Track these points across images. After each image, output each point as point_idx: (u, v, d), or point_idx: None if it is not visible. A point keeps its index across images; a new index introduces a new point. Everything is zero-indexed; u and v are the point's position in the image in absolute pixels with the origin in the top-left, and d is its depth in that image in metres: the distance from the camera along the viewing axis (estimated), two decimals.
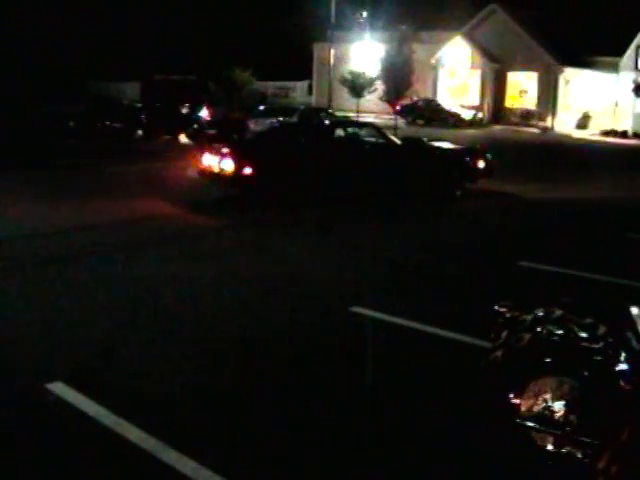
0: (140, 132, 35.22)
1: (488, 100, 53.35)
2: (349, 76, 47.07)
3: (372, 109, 48.33)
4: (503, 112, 53.11)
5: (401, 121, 44.74)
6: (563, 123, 50.22)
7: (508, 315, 6.06)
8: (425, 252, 13.15)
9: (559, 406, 5.44)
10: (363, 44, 55.07)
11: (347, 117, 37.65)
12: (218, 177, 17.18)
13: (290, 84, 65.57)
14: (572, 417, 5.37)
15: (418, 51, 44.73)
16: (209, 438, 6.13)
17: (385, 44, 44.77)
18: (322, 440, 6.16)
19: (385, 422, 6.48)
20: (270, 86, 64.25)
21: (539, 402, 5.51)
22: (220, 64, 55.85)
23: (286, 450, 6.00)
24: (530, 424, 5.53)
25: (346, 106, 49.71)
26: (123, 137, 33.81)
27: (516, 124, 50.99)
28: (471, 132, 44.57)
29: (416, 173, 18.28)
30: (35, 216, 15.42)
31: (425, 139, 21.17)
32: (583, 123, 50.83)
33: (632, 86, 47.98)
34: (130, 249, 12.89)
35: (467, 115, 49.43)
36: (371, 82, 45.41)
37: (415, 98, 49.11)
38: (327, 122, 23.82)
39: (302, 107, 39.34)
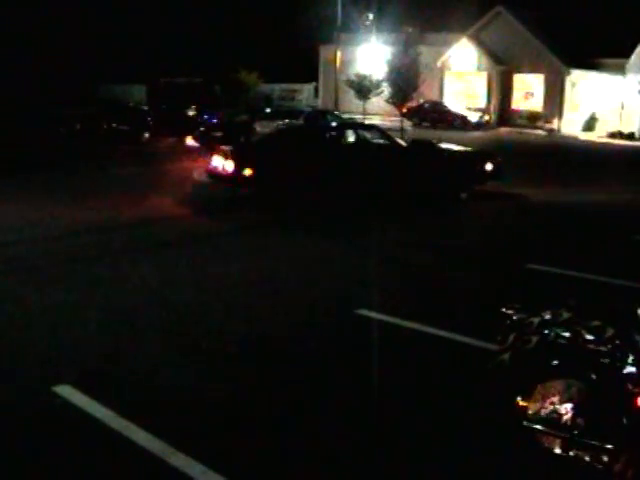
0: (147, 134, 35.28)
1: (494, 102, 53.27)
2: (355, 78, 46.99)
3: (378, 111, 48.31)
4: (509, 114, 53.01)
5: (407, 123, 44.69)
6: (570, 125, 50.12)
7: (515, 318, 6.05)
8: (431, 254, 13.15)
9: (566, 409, 5.42)
10: (369, 46, 55.03)
11: (353, 119, 37.65)
12: (222, 177, 17.37)
13: (296, 86, 65.53)
14: (580, 420, 5.35)
15: (424, 53, 44.62)
16: (217, 441, 6.13)
17: (391, 46, 44.67)
18: (326, 443, 6.15)
19: (390, 424, 6.47)
20: (276, 88, 64.22)
21: (546, 405, 5.50)
22: (226, 66, 55.90)
23: (291, 453, 6.00)
24: (537, 427, 5.51)
25: (352, 108, 49.69)
26: (129, 139, 33.86)
27: (522, 126, 50.89)
28: (477, 134, 44.52)
29: (419, 175, 18.28)
30: (40, 218, 15.44)
31: (434, 141, 21.15)
32: (590, 125, 50.72)
33: (639, 88, 47.85)
34: (137, 251, 12.92)
35: (473, 117, 49.35)
36: (377, 84, 45.33)
37: (421, 100, 49.07)
38: (332, 124, 23.87)
39: (308, 109, 39.33)
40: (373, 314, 9.27)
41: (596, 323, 5.68)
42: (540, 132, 49.13)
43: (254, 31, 68.26)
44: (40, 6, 62.77)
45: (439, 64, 54.62)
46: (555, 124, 50.53)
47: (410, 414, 6.67)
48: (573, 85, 51.45)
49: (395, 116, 43.36)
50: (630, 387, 5.19)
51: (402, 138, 22.48)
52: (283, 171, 16.99)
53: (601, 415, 5.28)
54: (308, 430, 6.37)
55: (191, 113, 38.96)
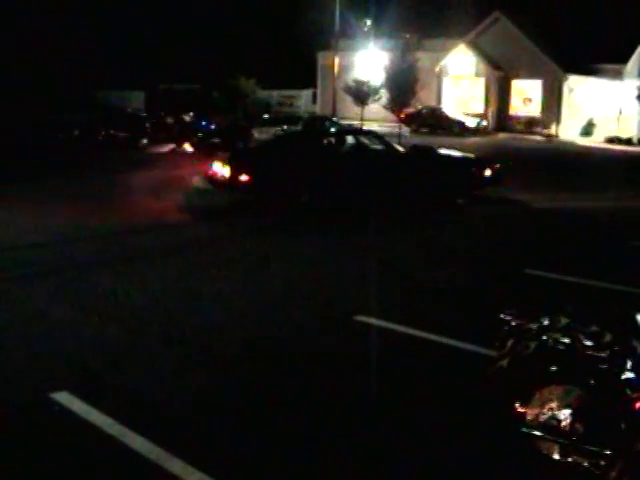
0: (145, 141, 35.36)
1: (492, 108, 53.31)
2: (353, 84, 47.01)
3: (377, 117, 48.27)
4: (507, 120, 53.05)
5: (405, 129, 44.72)
6: (568, 130, 50.16)
7: (514, 323, 6.05)
8: (429, 260, 13.15)
9: (565, 415, 5.42)
10: (367, 52, 55.06)
11: (351, 125, 37.68)
12: (219, 183, 17.44)
13: (294, 93, 65.56)
14: (578, 426, 5.35)
15: (422, 59, 44.66)
16: (215, 448, 6.13)
17: (389, 52, 44.73)
18: (324, 449, 6.15)
19: (389, 430, 6.46)
20: (274, 95, 64.26)
21: (545, 411, 5.50)
22: (224, 73, 55.92)
23: (290, 458, 5.99)
24: (536, 433, 5.51)
25: (350, 114, 49.70)
26: (128, 146, 33.92)
27: (520, 132, 50.94)
28: (475, 140, 44.51)
29: (418, 181, 18.30)
30: (39, 225, 15.45)
31: (437, 148, 21.21)
32: (588, 130, 50.76)
33: (636, 93, 47.90)
34: (136, 258, 12.91)
35: (471, 123, 49.36)
36: (375, 90, 45.34)
37: (419, 106, 49.10)
38: (329, 131, 23.92)
39: (306, 115, 39.38)
40: (372, 320, 9.27)
41: (594, 329, 5.68)
42: (538, 138, 49.15)
43: (252, 38, 68.29)
44: (39, 12, 62.82)
45: (437, 70, 54.67)
46: (553, 129, 50.57)
47: (409, 420, 6.66)
48: (571, 90, 51.51)
49: (393, 122, 43.36)
50: (629, 392, 5.19)
51: (400, 144, 22.49)
52: (280, 177, 17.06)
53: (600, 421, 5.28)
54: (308, 436, 6.36)
55: (189, 119, 39.04)
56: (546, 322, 5.89)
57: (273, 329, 9.08)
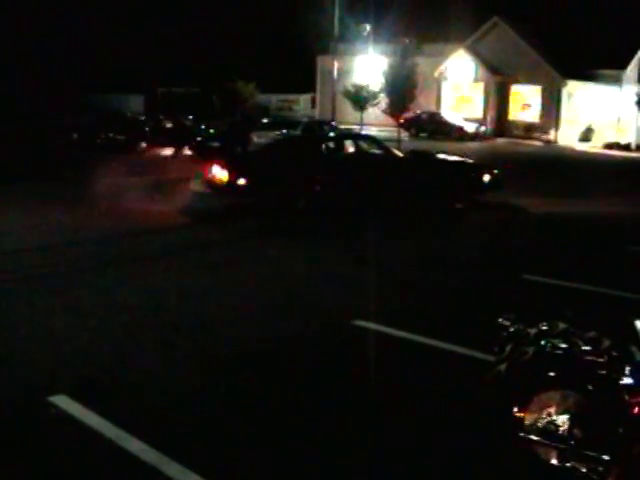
0: (144, 145, 35.33)
1: (491, 113, 53.36)
2: (352, 89, 47.02)
3: (376, 122, 48.29)
4: (506, 125, 53.10)
5: (404, 134, 44.75)
6: (566, 136, 50.21)
7: (512, 329, 6.05)
8: (429, 265, 13.15)
9: (563, 420, 5.42)
10: (366, 57, 55.07)
11: (350, 130, 37.71)
12: (218, 187, 17.46)
13: (293, 97, 65.65)
14: (576, 431, 5.35)
15: (421, 64, 44.65)
16: (212, 451, 6.12)
17: (388, 57, 44.74)
18: (323, 457, 6.14)
19: (387, 436, 6.46)
20: (274, 99, 64.35)
21: (543, 416, 5.50)
22: (223, 77, 55.96)
23: (287, 463, 5.99)
24: (534, 438, 5.51)
25: (350, 119, 49.73)
26: (127, 149, 33.91)
27: (519, 137, 51.01)
28: (474, 145, 44.57)
29: (416, 185, 18.33)
30: (38, 228, 15.45)
31: (436, 153, 21.27)
32: (586, 136, 50.82)
33: (635, 99, 47.96)
34: (136, 261, 12.92)
35: (470, 128, 49.40)
36: (374, 95, 45.36)
37: (418, 111, 49.13)
38: (327, 135, 23.97)
39: (305, 120, 39.34)
40: (370, 325, 9.27)
41: (592, 334, 5.68)
42: (537, 143, 49.21)
43: (251, 41, 68.37)
44: (37, 16, 62.86)
45: (436, 75, 54.73)
46: (552, 135, 50.63)
47: (407, 425, 6.66)
48: (570, 96, 51.57)
49: (392, 127, 43.36)
50: (627, 398, 5.19)
51: (399, 149, 22.51)
52: (278, 181, 17.11)
53: (598, 426, 5.28)
54: (308, 440, 6.36)
55: (188, 123, 39.05)
56: (544, 327, 5.89)
57: (272, 333, 9.08)
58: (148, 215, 17.14)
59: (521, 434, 5.56)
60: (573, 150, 46.05)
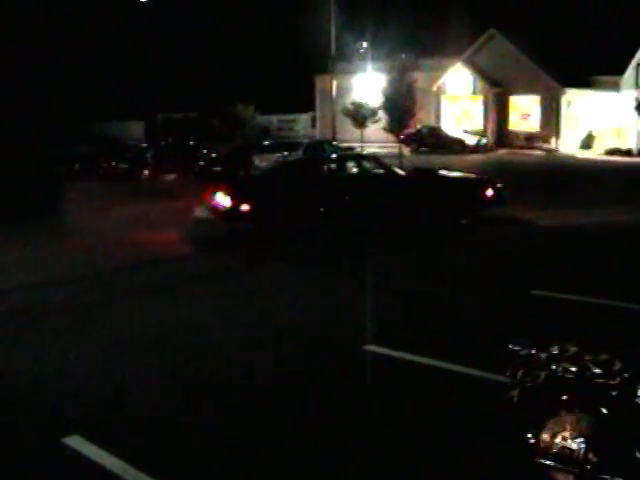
0: (146, 172, 35.45)
1: (491, 125, 53.51)
2: (352, 107, 47.28)
3: (376, 139, 48.47)
4: (507, 136, 53.24)
5: (406, 149, 44.87)
6: (567, 144, 50.30)
7: (523, 353, 6.04)
8: (436, 283, 13.13)
9: (578, 444, 5.40)
10: (365, 75, 55.32)
11: (351, 148, 37.77)
12: (221, 213, 17.52)
13: (293, 117, 65.86)
14: (591, 455, 5.33)
15: (420, 79, 44.99)
16: None
17: (386, 74, 44.99)
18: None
19: (401, 462, 6.45)
20: (274, 120, 64.55)
21: (558, 440, 5.48)
22: (222, 100, 56.16)
23: None
24: (550, 463, 5.49)
25: (350, 137, 49.89)
26: (129, 178, 34.03)
27: (521, 147, 51.11)
28: (476, 157, 44.64)
29: (420, 205, 18.34)
30: (42, 262, 15.50)
31: (439, 169, 21.35)
32: (587, 143, 50.91)
33: (634, 104, 48.07)
34: (141, 294, 12.93)
35: (471, 141, 49.54)
36: (374, 112, 45.57)
37: (419, 126, 49.28)
38: (329, 157, 24.05)
39: (306, 141, 39.47)
40: (382, 349, 9.25)
41: (604, 357, 5.67)
42: (538, 152, 49.29)
43: (250, 63, 68.65)
44: (35, 47, 63.12)
45: (435, 89, 54.91)
46: (553, 144, 50.71)
47: (421, 451, 6.65)
48: (569, 104, 51.70)
49: (393, 142, 43.55)
50: None
51: (401, 165, 22.55)
52: (281, 206, 17.15)
53: (613, 449, 5.27)
54: (312, 469, 6.35)
55: (190, 149, 39.17)
56: (555, 351, 5.88)
57: (283, 360, 9.08)
58: (152, 245, 17.20)
59: (536, 459, 5.54)
60: (575, 158, 46.08)
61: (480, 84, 53.85)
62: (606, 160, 44.57)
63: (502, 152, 49.56)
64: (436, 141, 49.35)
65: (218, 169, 31.56)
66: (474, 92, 54.33)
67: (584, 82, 50.84)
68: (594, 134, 51.10)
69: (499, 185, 19.62)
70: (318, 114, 64.12)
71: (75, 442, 6.87)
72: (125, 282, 13.92)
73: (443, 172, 20.77)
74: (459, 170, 23.50)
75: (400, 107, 42.20)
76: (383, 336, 9.70)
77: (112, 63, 66.29)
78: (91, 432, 7.05)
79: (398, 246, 16.68)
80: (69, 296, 12.82)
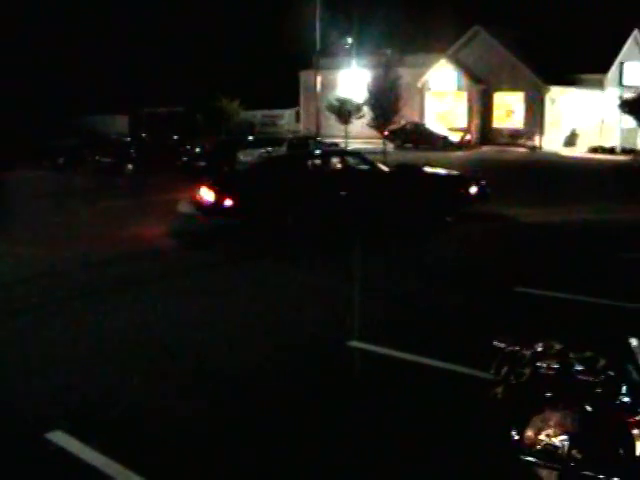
0: (130, 166, 35.32)
1: (475, 121, 53.56)
2: (336, 103, 47.19)
3: (361, 135, 48.43)
4: (491, 133, 53.30)
5: (390, 145, 44.86)
6: (551, 141, 50.40)
7: (507, 351, 6.04)
8: (420, 280, 13.14)
9: (562, 441, 5.41)
10: (349, 70, 55.27)
11: (336, 144, 37.76)
12: (204, 209, 17.51)
13: (278, 112, 65.76)
14: (575, 452, 5.34)
15: (404, 75, 44.87)
16: None
17: (371, 70, 44.93)
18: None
19: (385, 458, 6.45)
20: (258, 115, 64.40)
21: (542, 437, 5.49)
22: (206, 95, 55.99)
23: None
24: (534, 460, 5.50)
25: (334, 133, 49.83)
26: (113, 172, 33.90)
27: (504, 144, 51.19)
28: (460, 154, 44.73)
29: (404, 201, 18.33)
30: (25, 257, 15.42)
31: (423, 165, 21.36)
32: (571, 141, 51.04)
33: (618, 102, 48.21)
34: (125, 287, 12.89)
35: (455, 137, 49.58)
36: (358, 108, 45.52)
37: (403, 122, 49.27)
38: (313, 153, 24.03)
39: (290, 136, 39.43)
40: (365, 345, 9.25)
41: (588, 354, 5.68)
42: (522, 149, 49.39)
43: (234, 58, 68.50)
44: (20, 40, 62.88)
45: (419, 85, 54.92)
46: (537, 141, 50.79)
47: (405, 447, 6.65)
48: (553, 102, 51.79)
49: (378, 138, 43.51)
50: (625, 417, 5.19)
51: (385, 161, 22.54)
52: (265, 201, 17.14)
53: (597, 446, 5.28)
54: (297, 466, 6.35)
55: (174, 143, 39.07)
56: (540, 348, 5.89)
57: (268, 356, 9.06)
58: (136, 240, 17.13)
59: (520, 456, 5.55)
60: (558, 155, 46.20)
61: (464, 81, 53.89)
62: (589, 158, 44.70)
63: (486, 149, 49.64)
64: (420, 137, 49.36)
65: (202, 164, 31.47)
66: (458, 88, 54.37)
67: (568, 80, 50.96)
68: (578, 132, 51.24)
69: (483, 182, 19.68)
70: (302, 109, 64.08)
71: (58, 438, 6.84)
72: (104, 277, 13.83)
73: (427, 169, 20.78)
74: (442, 167, 23.50)
75: (384, 103, 42.09)
76: (367, 333, 9.68)
77: (98, 57, 65.95)
78: (74, 428, 7.01)
79: (382, 243, 16.67)
80: (50, 290, 12.75)
